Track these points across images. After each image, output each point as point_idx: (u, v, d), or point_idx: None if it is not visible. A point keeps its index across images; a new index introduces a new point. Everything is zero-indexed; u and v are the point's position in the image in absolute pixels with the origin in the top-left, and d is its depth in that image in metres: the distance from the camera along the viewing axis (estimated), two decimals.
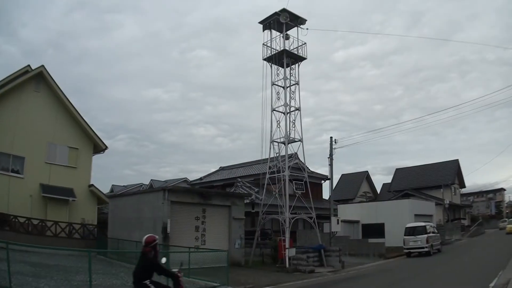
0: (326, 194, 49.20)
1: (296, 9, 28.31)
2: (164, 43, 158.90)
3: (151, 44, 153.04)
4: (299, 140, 27.81)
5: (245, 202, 28.97)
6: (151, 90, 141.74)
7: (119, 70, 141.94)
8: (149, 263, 8.83)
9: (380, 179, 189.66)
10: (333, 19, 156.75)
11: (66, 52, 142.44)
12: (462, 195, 77.14)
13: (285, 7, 27.79)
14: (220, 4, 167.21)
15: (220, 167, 53.67)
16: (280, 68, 28.31)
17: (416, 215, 39.77)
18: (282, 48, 27.94)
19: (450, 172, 64.12)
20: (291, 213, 26.45)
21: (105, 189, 49.80)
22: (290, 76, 28.32)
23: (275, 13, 27.70)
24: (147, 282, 8.58)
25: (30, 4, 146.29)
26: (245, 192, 34.91)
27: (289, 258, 24.44)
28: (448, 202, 55.20)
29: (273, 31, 28.81)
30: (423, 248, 30.32)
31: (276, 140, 27.70)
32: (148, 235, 9.30)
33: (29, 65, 31.15)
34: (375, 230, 38.73)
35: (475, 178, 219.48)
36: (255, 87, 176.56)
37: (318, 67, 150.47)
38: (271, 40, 28.71)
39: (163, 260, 9.42)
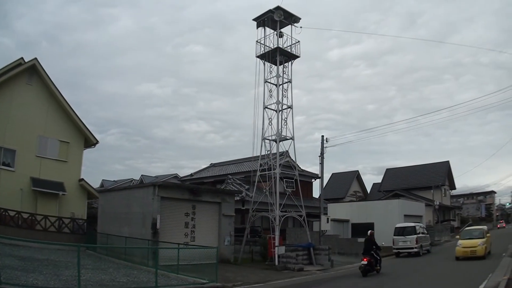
0: (316, 193, 49.36)
1: (292, 7, 28.38)
2: (158, 38, 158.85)
3: (146, 38, 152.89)
4: (291, 138, 27.86)
5: (235, 199, 28.99)
6: (145, 85, 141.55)
7: (113, 64, 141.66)
8: (373, 243, 21.07)
9: (370, 179, 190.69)
10: (329, 17, 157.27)
11: (61, 45, 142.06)
12: (452, 196, 77.72)
13: (279, 5, 27.78)
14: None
15: (211, 163, 53.66)
16: (273, 65, 28.33)
17: (405, 215, 39.99)
18: (275, 46, 27.94)
19: (441, 173, 64.44)
20: (281, 211, 26.50)
21: (95, 183, 49.68)
22: (283, 74, 28.35)
23: (270, 11, 27.69)
24: (372, 252, 20.40)
25: None
26: (236, 189, 34.94)
27: (279, 256, 24.49)
28: (438, 203, 55.51)
29: (267, 29, 28.81)
30: (412, 248, 30.47)
31: (267, 138, 27.72)
32: (371, 230, 22.69)
33: (22, 58, 30.97)
34: (365, 229, 38.63)
35: (466, 180, 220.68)
36: (249, 84, 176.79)
37: (312, 66, 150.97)
38: (264, 37, 28.70)
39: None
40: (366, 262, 19.82)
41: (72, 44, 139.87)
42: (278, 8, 27.66)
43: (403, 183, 64.64)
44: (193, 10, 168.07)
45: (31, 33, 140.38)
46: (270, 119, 27.73)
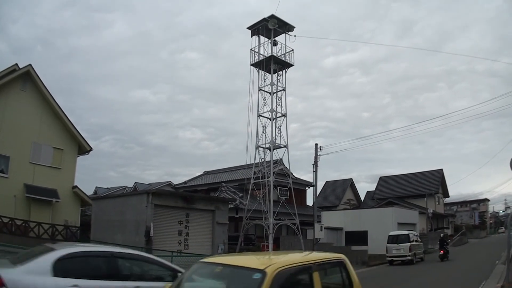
0: (310, 201, 49.39)
1: (288, 14, 28.92)
2: (153, 44, 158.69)
3: (140, 44, 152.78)
4: (285, 146, 27.96)
5: (229, 207, 28.98)
6: (139, 91, 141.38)
7: (108, 69, 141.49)
8: (445, 241, 31.66)
9: (364, 187, 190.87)
10: (325, 25, 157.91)
11: (55, 50, 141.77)
12: (446, 204, 77.94)
13: (274, 14, 27.96)
14: (213, 5, 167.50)
15: (205, 171, 53.63)
16: (268, 73, 28.48)
17: (399, 223, 40.03)
18: (269, 54, 28.07)
19: (434, 181, 64.62)
20: (275, 219, 26.54)
21: (89, 191, 49.50)
22: (277, 82, 28.51)
23: (264, 19, 27.86)
24: (445, 246, 31.20)
25: (21, 0, 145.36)
26: (229, 197, 34.93)
27: None
28: (431, 211, 55.61)
29: (262, 37, 28.98)
30: (405, 256, 30.44)
31: (261, 146, 27.82)
32: (443, 233, 36.42)
33: (16, 64, 30.93)
34: (358, 237, 38.91)
35: (460, 188, 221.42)
36: (244, 91, 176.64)
37: (307, 73, 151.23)
38: (259, 45, 28.88)
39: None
40: (442, 253, 31.14)
41: (66, 49, 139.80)
42: (272, 16, 27.83)
43: (396, 191, 64.78)
44: (189, 16, 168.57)
45: (25, 38, 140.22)
46: (264, 127, 27.90)
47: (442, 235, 33.95)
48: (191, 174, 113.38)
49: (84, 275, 7.48)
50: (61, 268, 7.27)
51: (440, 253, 31.68)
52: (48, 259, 7.35)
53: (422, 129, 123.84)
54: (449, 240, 37.58)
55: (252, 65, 28.77)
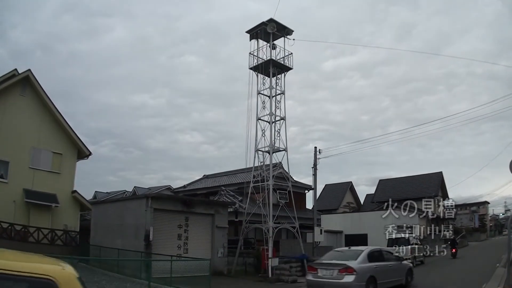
0: (309, 204, 49.22)
1: (287, 17, 28.96)
2: (152, 48, 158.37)
3: (140, 48, 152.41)
4: (284, 150, 27.93)
5: (228, 210, 28.96)
6: (138, 95, 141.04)
7: (107, 74, 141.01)
8: (456, 242, 38.03)
9: (364, 190, 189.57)
10: (324, 28, 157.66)
11: (54, 55, 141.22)
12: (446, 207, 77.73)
13: (272, 17, 27.95)
14: (212, 10, 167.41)
15: (204, 175, 53.47)
16: (266, 77, 28.45)
17: (399, 226, 39.94)
18: (268, 58, 28.07)
19: (434, 184, 64.55)
20: (274, 223, 26.49)
21: (88, 195, 49.37)
22: (276, 85, 28.48)
23: (263, 23, 27.85)
24: (456, 246, 36.91)
25: (20, 5, 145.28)
26: (229, 200, 34.87)
27: (272, 268, 24.44)
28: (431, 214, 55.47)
29: (260, 41, 28.97)
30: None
31: (260, 149, 27.78)
32: (454, 236, 37.78)
33: (16, 69, 30.99)
34: (358, 240, 38.71)
35: (459, 191, 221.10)
36: (243, 95, 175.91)
37: (307, 76, 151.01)
38: (257, 49, 28.86)
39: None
40: (454, 251, 35.54)
41: (66, 53, 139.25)
42: (271, 20, 27.81)
43: (396, 194, 64.53)
44: (188, 21, 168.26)
45: (24, 43, 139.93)
46: (263, 131, 27.83)
47: (453, 237, 37.81)
48: (190, 178, 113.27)
49: (375, 260, 16.63)
50: (370, 257, 16.38)
51: (452, 251, 35.73)
52: (365, 254, 16.42)
53: (422, 132, 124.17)
54: (458, 241, 42.75)
55: (251, 68, 28.74)
